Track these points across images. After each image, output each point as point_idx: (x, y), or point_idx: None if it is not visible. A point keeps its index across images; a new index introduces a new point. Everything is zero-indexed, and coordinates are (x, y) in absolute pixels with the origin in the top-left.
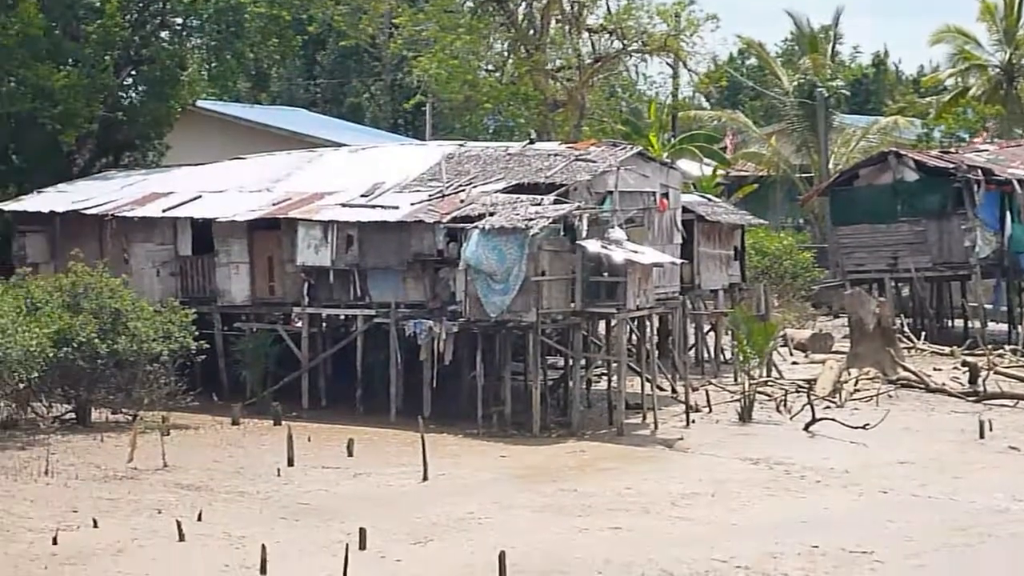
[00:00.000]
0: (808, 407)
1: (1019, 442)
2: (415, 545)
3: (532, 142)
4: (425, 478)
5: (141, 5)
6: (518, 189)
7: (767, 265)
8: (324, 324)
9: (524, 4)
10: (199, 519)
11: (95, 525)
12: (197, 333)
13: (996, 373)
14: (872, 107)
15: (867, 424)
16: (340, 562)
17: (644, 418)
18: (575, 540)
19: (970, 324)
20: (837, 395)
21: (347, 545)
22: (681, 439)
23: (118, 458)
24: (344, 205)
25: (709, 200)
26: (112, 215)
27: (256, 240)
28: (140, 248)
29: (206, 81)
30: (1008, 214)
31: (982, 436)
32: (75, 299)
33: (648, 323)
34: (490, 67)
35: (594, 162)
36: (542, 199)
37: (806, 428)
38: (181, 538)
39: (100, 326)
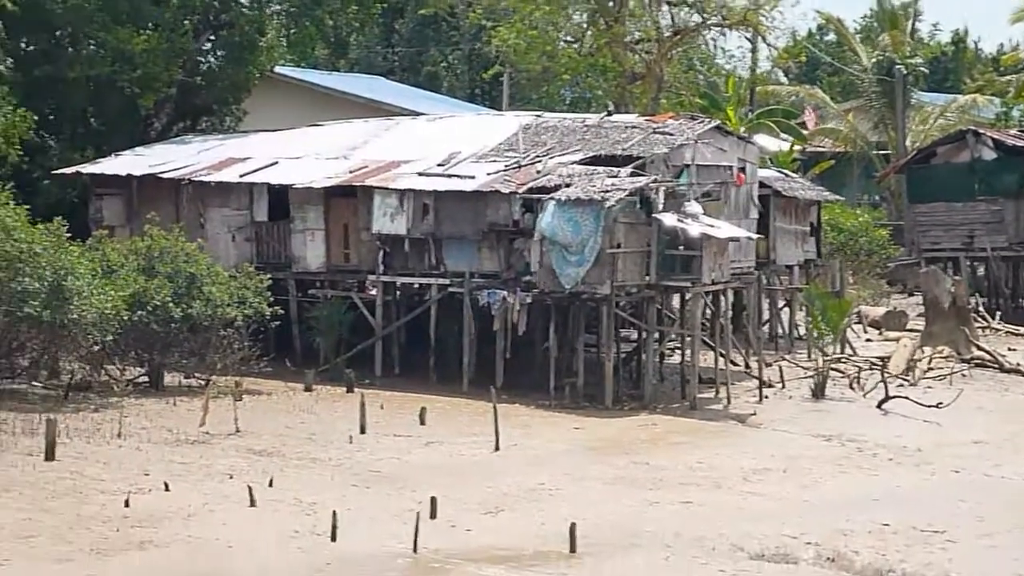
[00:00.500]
0: (881, 385)
1: None
2: (486, 515)
3: (609, 114)
4: (497, 448)
5: None
6: (595, 161)
7: (843, 241)
8: (398, 292)
9: None
10: (270, 485)
11: (167, 489)
12: (271, 299)
13: None
14: (951, 85)
15: (940, 403)
16: (410, 530)
17: (717, 393)
18: (646, 513)
19: None
20: (911, 373)
21: (418, 513)
22: (754, 414)
23: (190, 422)
24: (421, 174)
25: (786, 175)
26: (189, 179)
27: (332, 207)
28: (216, 213)
29: (284, 47)
30: None
31: None
32: (150, 263)
33: (723, 297)
34: (569, 38)
35: (671, 135)
36: (619, 171)
37: (879, 406)
38: (252, 503)
39: (175, 290)
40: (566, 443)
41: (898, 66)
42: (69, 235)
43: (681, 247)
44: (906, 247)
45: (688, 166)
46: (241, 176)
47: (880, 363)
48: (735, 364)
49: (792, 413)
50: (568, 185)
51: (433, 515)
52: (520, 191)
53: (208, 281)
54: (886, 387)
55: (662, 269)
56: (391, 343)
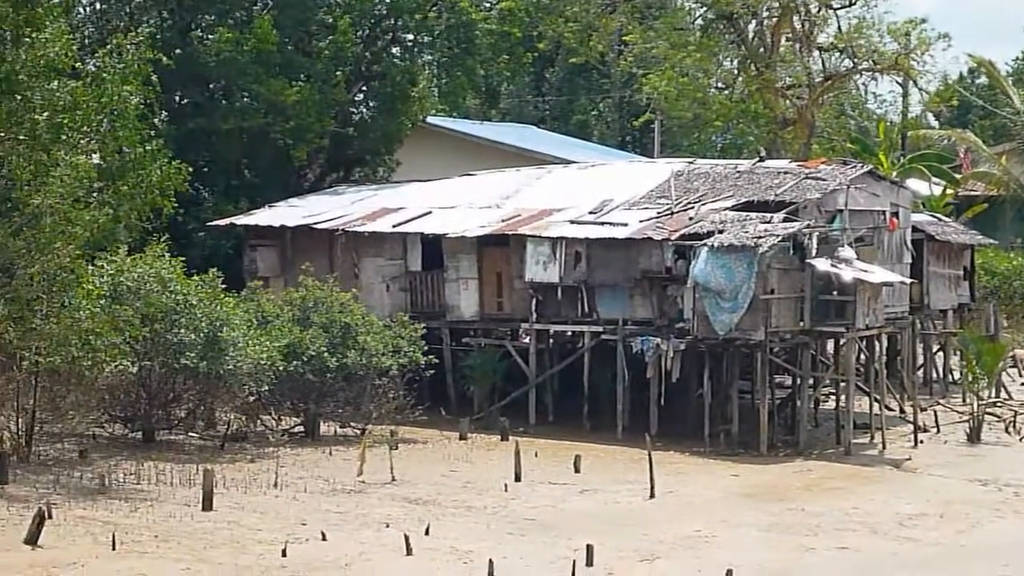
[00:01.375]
0: None
1: None
2: (642, 562)
3: (761, 160)
4: (652, 495)
5: (373, 22)
6: (747, 207)
7: (996, 285)
8: (551, 340)
9: (754, 22)
10: (427, 533)
11: (324, 538)
12: (426, 348)
13: None
14: None
15: None
16: None
17: (872, 438)
18: (802, 559)
19: None
20: None
21: (574, 561)
22: (909, 459)
23: (346, 472)
24: (573, 222)
25: (939, 220)
26: (343, 229)
27: (485, 256)
28: (370, 263)
29: (436, 97)
30: None
31: None
32: (305, 313)
33: (877, 342)
34: (720, 84)
35: (824, 180)
36: (771, 217)
37: None
38: (409, 552)
39: (330, 340)
40: (721, 490)
41: None
42: (224, 286)
43: (835, 292)
44: None
45: (841, 211)
46: (395, 226)
47: None
48: (890, 409)
49: (947, 458)
50: (721, 231)
51: (589, 563)
52: (673, 238)
53: (363, 331)
54: None
55: (816, 314)
56: (545, 391)
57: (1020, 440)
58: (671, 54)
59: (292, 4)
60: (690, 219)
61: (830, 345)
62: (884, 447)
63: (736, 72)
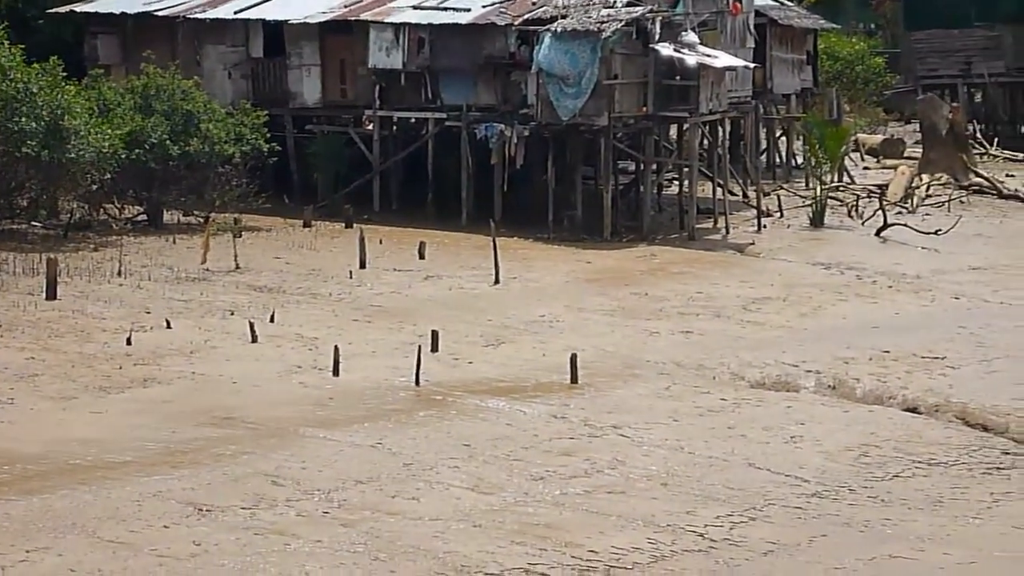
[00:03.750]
0: (880, 212)
1: None
2: (487, 347)
3: None
4: (497, 282)
5: None
6: None
7: (839, 70)
8: (395, 127)
9: None
10: (271, 320)
11: (168, 326)
12: (269, 135)
13: None
14: None
15: (939, 230)
16: (412, 363)
17: (715, 223)
18: (646, 343)
19: None
20: (909, 200)
21: (419, 347)
22: (752, 244)
23: (190, 260)
24: (416, 7)
25: (782, 4)
26: (183, 16)
27: (328, 42)
28: (212, 50)
29: None
30: None
31: None
32: (147, 101)
33: (720, 127)
34: None
35: None
36: (615, 1)
37: (878, 233)
38: (254, 339)
39: (172, 128)
40: (565, 275)
41: None
42: (65, 75)
43: (678, 77)
44: (903, 74)
45: None
46: (236, 12)
47: (878, 191)
48: (733, 194)
49: (791, 242)
50: (564, 16)
51: (434, 348)
52: (516, 23)
53: (205, 118)
54: (884, 215)
55: (659, 100)
56: (389, 178)
57: (862, 224)
58: None
59: None
60: (533, 4)
61: (673, 130)
62: (728, 232)
63: None
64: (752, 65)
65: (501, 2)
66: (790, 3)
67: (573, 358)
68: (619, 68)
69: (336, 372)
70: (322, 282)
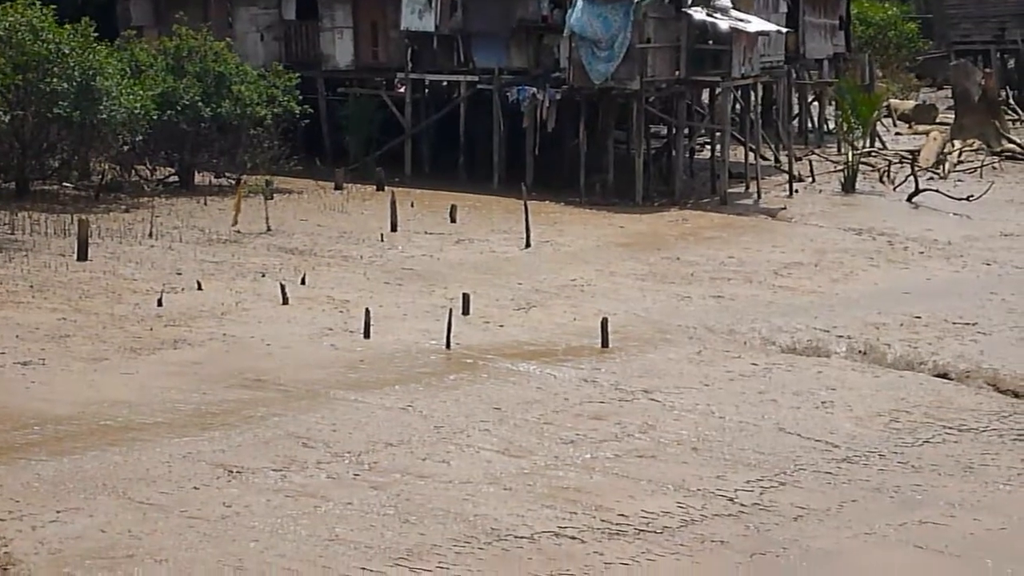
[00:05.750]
0: (911, 178)
1: None
2: (518, 311)
3: None
4: (528, 245)
5: None
6: None
7: (872, 35)
8: (427, 90)
9: None
10: (303, 283)
11: (199, 287)
12: (301, 98)
13: None
14: None
15: (971, 196)
16: (443, 326)
17: (747, 187)
18: (677, 307)
19: None
20: (941, 166)
21: (450, 310)
22: (784, 208)
23: (221, 222)
24: None
25: None
26: None
27: (360, 5)
28: (244, 12)
29: None
30: None
31: None
32: (179, 62)
33: (752, 92)
34: None
35: None
36: None
37: (909, 199)
38: (284, 301)
39: (204, 89)
40: (597, 240)
41: None
42: (97, 36)
43: (711, 41)
44: (936, 40)
45: None
46: None
47: (910, 156)
48: (765, 159)
49: (822, 207)
50: None
51: (466, 311)
52: None
53: (237, 80)
54: (916, 180)
55: (692, 64)
56: (420, 141)
57: (894, 189)
58: None
59: None
60: None
61: (706, 95)
62: (759, 197)
63: None
64: (785, 30)
65: None
66: None
67: (604, 322)
68: (652, 32)
69: (367, 335)
70: (353, 245)
